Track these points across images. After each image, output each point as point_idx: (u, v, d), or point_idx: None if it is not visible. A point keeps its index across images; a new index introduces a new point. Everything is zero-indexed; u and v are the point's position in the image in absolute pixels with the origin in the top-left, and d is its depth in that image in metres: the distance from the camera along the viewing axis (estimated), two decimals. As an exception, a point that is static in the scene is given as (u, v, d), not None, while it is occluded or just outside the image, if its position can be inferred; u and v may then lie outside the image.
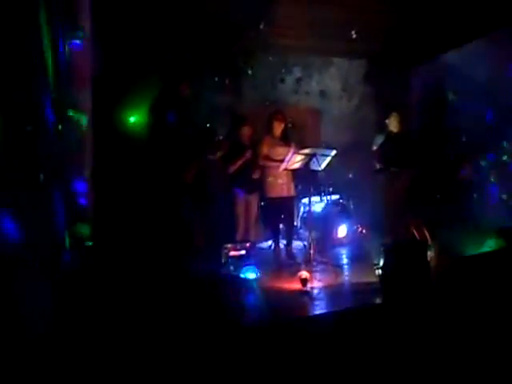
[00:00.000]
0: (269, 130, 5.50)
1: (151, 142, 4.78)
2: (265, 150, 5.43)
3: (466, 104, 6.58)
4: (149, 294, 3.93)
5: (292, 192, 5.57)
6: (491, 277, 3.91)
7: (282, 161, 5.21)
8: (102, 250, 4.40)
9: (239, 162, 5.34)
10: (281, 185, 5.41)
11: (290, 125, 5.95)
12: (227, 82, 6.73)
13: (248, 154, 5.36)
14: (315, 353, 3.08)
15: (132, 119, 6.01)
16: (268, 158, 5.40)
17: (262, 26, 5.95)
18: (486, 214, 5.98)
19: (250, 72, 7.06)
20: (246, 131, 5.52)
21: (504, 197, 6.17)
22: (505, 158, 6.23)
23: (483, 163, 6.39)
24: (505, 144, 6.20)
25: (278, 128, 5.47)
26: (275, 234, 5.57)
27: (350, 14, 5.69)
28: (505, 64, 6.15)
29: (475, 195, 6.33)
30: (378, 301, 4.08)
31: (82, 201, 4.19)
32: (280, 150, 5.35)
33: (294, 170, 5.39)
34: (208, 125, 6.07)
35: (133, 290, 3.99)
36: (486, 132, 6.32)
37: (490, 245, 4.55)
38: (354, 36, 6.34)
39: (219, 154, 5.24)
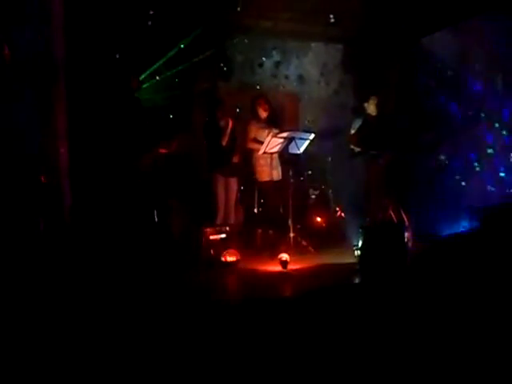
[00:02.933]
0: (253, 114, 5.51)
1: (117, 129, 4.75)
2: (252, 133, 5.45)
3: (440, 88, 6.68)
4: (126, 277, 3.93)
5: (278, 176, 5.61)
6: (465, 256, 4.02)
7: None
8: (80, 237, 4.36)
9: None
10: (269, 169, 5.43)
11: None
12: (205, 65, 6.66)
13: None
14: (296, 332, 3.12)
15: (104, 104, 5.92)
16: (256, 140, 5.41)
17: (239, 9, 5.90)
18: (461, 196, 6.12)
19: (228, 56, 7.00)
20: (222, 115, 5.50)
21: (478, 179, 6.32)
22: (479, 140, 6.35)
23: (458, 146, 6.51)
24: (479, 127, 6.32)
25: (263, 112, 5.48)
26: (255, 218, 5.59)
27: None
28: (477, 50, 6.25)
29: (450, 178, 6.45)
30: (356, 280, 4.15)
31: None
32: (267, 133, 5.37)
33: (276, 154, 5.41)
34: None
35: (110, 274, 3.98)
36: (461, 116, 6.44)
37: (464, 225, 4.68)
38: (332, 20, 6.35)
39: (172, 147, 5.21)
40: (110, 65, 5.48)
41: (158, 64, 6.08)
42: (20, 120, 3.89)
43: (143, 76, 5.81)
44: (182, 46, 6.10)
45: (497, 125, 6.08)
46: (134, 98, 5.05)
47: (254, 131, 5.45)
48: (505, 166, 6.04)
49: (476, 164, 6.40)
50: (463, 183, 6.27)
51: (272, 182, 5.47)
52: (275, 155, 5.38)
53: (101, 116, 5.01)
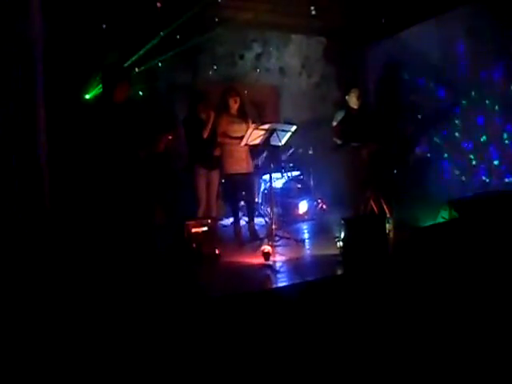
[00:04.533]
0: (225, 107, 5.43)
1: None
2: (222, 127, 5.38)
3: (420, 81, 6.75)
4: (108, 271, 3.87)
5: (251, 168, 5.56)
6: (444, 246, 4.07)
7: (239, 137, 5.18)
8: (59, 228, 4.28)
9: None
10: (239, 161, 5.38)
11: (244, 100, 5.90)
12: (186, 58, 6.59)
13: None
14: (278, 324, 3.12)
15: (86, 97, 5.81)
16: (226, 135, 5.35)
17: (219, 0, 5.84)
18: (440, 187, 6.22)
19: (209, 48, 6.94)
20: (203, 108, 5.44)
21: (456, 171, 6.43)
22: (457, 134, 6.46)
23: (437, 139, 6.60)
24: (456, 121, 6.42)
25: (234, 104, 5.40)
26: (235, 211, 5.57)
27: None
28: (455, 43, 6.33)
29: (430, 170, 6.55)
30: (338, 272, 4.17)
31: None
32: (236, 127, 5.32)
33: (253, 146, 5.39)
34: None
35: (92, 265, 3.92)
36: (440, 109, 6.53)
37: (443, 216, 4.73)
38: (313, 12, 6.33)
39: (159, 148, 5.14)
40: (89, 54, 5.38)
41: (136, 56, 5.99)
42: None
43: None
44: (162, 35, 6.01)
45: (477, 118, 6.18)
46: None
47: (225, 125, 5.38)
48: (484, 157, 6.17)
49: (446, 155, 6.53)
50: (444, 175, 6.38)
51: (240, 175, 5.43)
52: (244, 148, 5.34)
53: (79, 105, 4.92)
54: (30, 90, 4.09)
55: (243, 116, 5.44)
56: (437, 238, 4.16)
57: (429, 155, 6.73)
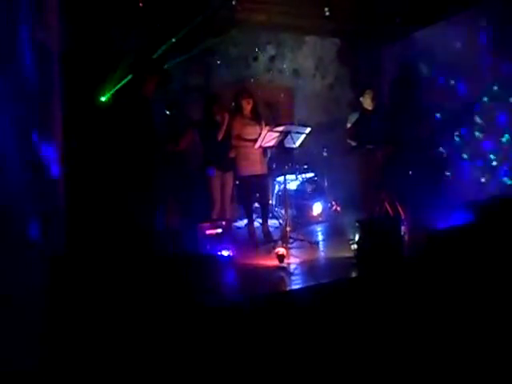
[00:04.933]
0: (238, 109, 5.45)
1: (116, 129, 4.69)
2: (236, 129, 5.39)
3: (438, 81, 6.67)
4: (121, 274, 3.90)
5: (265, 170, 5.57)
6: (461, 250, 4.02)
7: (253, 140, 5.18)
8: (74, 230, 4.32)
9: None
10: (253, 163, 5.39)
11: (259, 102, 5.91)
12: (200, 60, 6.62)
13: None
14: (292, 327, 3.12)
15: (103, 98, 5.86)
16: (239, 137, 5.37)
17: (234, 2, 5.86)
18: (458, 189, 6.12)
19: (223, 50, 6.96)
20: (217, 109, 5.46)
21: (475, 172, 6.31)
22: (477, 134, 6.35)
23: (456, 140, 6.51)
24: (477, 120, 6.30)
25: (247, 106, 5.41)
26: (249, 213, 5.57)
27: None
28: (474, 41, 6.24)
29: (448, 171, 6.46)
30: (353, 275, 4.15)
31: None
32: (250, 129, 5.33)
33: (266, 148, 5.39)
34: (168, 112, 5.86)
35: (104, 268, 3.95)
36: (458, 109, 6.44)
37: (459, 219, 4.68)
38: (327, 13, 6.31)
39: (180, 146, 5.19)
40: (106, 56, 5.44)
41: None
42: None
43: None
44: (174, 40, 6.04)
45: (499, 116, 6.06)
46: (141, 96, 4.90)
47: (238, 128, 5.39)
48: (502, 159, 6.06)
49: (465, 156, 6.42)
50: (459, 176, 6.27)
51: (255, 177, 5.44)
52: (258, 150, 5.34)
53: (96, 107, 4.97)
54: (46, 92, 4.12)
55: (257, 118, 5.45)
56: (453, 242, 4.12)
57: (446, 156, 6.63)
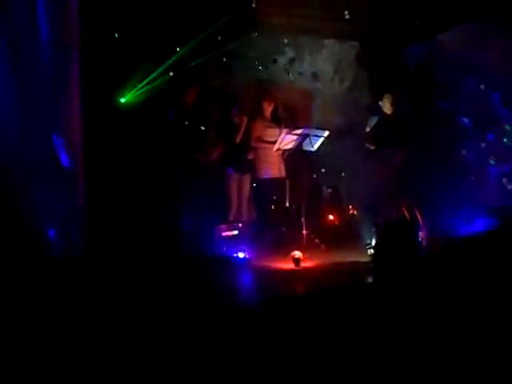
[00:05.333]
0: (258, 111, 5.49)
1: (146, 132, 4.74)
2: (256, 131, 5.42)
3: (458, 84, 6.57)
4: (140, 275, 3.93)
5: (283, 173, 5.57)
6: (482, 256, 3.96)
7: (273, 142, 5.20)
8: (94, 233, 4.37)
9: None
10: (272, 166, 5.40)
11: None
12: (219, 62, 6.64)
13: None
14: (307, 331, 3.10)
15: (122, 100, 5.93)
16: (260, 139, 5.39)
17: (254, 5, 5.88)
18: (479, 194, 6.01)
19: (242, 52, 6.97)
20: (236, 112, 5.49)
21: (503, 178, 6.17)
22: (505, 139, 6.22)
23: (481, 144, 6.38)
24: (506, 126, 6.18)
25: (268, 109, 5.46)
26: (266, 215, 5.58)
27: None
28: (495, 42, 6.13)
29: (470, 176, 6.34)
30: (369, 280, 4.12)
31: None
32: (271, 132, 5.35)
33: (284, 151, 5.39)
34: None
35: (124, 269, 3.99)
36: (480, 112, 6.32)
37: (481, 225, 4.61)
38: (347, 16, 6.29)
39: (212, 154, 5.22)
40: (124, 58, 5.49)
41: (170, 60, 6.08)
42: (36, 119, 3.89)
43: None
44: (196, 42, 6.08)
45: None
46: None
47: (259, 130, 5.42)
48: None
49: (492, 162, 6.28)
50: (480, 181, 6.15)
51: (273, 179, 5.44)
52: (277, 152, 5.34)
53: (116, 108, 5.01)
54: (65, 92, 4.18)
55: (277, 120, 5.47)
56: (474, 248, 4.06)
57: (470, 160, 6.50)
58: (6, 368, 2.49)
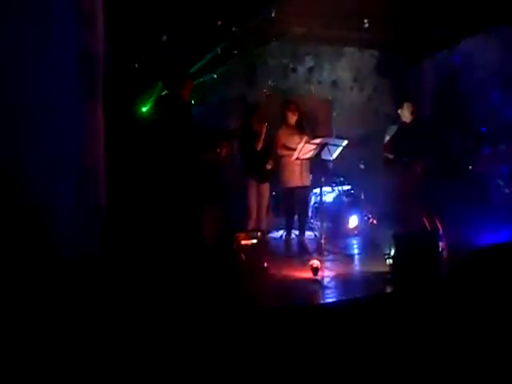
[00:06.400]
0: (283, 119, 5.54)
1: (157, 135, 4.80)
2: (282, 139, 5.47)
3: (479, 94, 6.49)
4: (157, 281, 3.98)
5: (307, 182, 5.59)
6: (505, 268, 3.88)
7: None
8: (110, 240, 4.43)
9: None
10: (297, 174, 5.44)
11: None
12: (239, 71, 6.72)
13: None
14: (325, 341, 3.10)
15: (143, 109, 6.04)
16: (285, 147, 5.43)
17: (273, 14, 5.93)
18: (501, 204, 5.91)
19: (262, 61, 7.04)
20: (256, 120, 5.53)
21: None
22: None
23: (497, 153, 6.29)
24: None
25: (292, 118, 5.50)
26: (289, 224, 5.59)
27: (360, 2, 5.65)
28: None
29: (492, 185, 6.24)
30: (388, 290, 4.08)
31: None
32: (296, 139, 5.38)
33: (308, 160, 5.40)
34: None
35: (141, 275, 4.04)
36: (501, 122, 6.24)
37: (505, 236, 4.52)
38: (366, 25, 6.30)
39: (222, 153, 5.24)
40: (148, 67, 5.59)
41: (192, 69, 6.17)
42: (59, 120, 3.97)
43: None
44: (219, 50, 6.16)
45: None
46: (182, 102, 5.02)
47: (284, 137, 5.47)
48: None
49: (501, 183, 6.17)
50: (506, 190, 6.03)
51: (298, 188, 5.47)
52: (305, 161, 5.37)
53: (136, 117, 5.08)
54: (89, 99, 4.25)
55: (301, 129, 5.51)
56: (497, 261, 3.98)
57: (488, 169, 6.41)
58: (13, 371, 2.54)
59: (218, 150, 4.97)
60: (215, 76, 6.41)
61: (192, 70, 6.13)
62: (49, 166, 3.60)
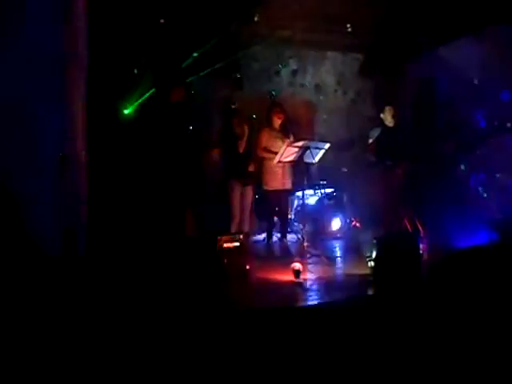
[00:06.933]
0: (268, 122, 5.53)
1: (143, 137, 4.78)
2: (263, 141, 5.46)
3: (459, 99, 6.58)
4: (141, 280, 3.95)
5: (288, 185, 5.60)
6: (483, 269, 3.93)
7: None
8: (95, 236, 4.39)
9: None
10: (278, 177, 5.43)
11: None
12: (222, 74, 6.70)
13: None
14: (307, 343, 3.09)
15: (126, 111, 5.98)
16: (267, 149, 5.42)
17: (256, 18, 5.94)
18: (479, 207, 6.00)
19: (245, 64, 7.03)
20: (238, 122, 5.52)
21: (496, 191, 6.17)
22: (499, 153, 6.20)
23: (475, 157, 6.39)
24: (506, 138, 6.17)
25: (277, 120, 5.50)
26: (269, 227, 5.59)
27: (344, 6, 5.71)
28: (496, 61, 6.15)
29: (469, 189, 6.33)
30: (370, 292, 4.10)
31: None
32: (279, 143, 5.37)
33: (290, 163, 5.41)
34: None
35: (125, 275, 4.01)
36: (480, 126, 6.33)
37: (483, 238, 4.59)
38: (349, 29, 6.36)
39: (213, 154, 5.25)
40: (132, 69, 5.55)
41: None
42: (39, 119, 3.93)
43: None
44: (196, 54, 6.14)
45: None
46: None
47: (266, 140, 5.46)
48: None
49: (497, 175, 6.26)
50: (484, 194, 6.13)
51: (279, 191, 5.47)
52: (287, 164, 5.37)
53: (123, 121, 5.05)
54: (66, 98, 4.20)
55: (285, 133, 5.50)
56: (475, 262, 4.03)
57: (468, 173, 6.50)
58: (6, 368, 2.50)
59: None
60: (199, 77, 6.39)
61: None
62: (27, 167, 3.56)
